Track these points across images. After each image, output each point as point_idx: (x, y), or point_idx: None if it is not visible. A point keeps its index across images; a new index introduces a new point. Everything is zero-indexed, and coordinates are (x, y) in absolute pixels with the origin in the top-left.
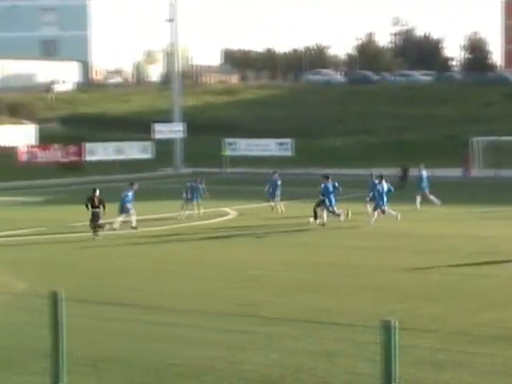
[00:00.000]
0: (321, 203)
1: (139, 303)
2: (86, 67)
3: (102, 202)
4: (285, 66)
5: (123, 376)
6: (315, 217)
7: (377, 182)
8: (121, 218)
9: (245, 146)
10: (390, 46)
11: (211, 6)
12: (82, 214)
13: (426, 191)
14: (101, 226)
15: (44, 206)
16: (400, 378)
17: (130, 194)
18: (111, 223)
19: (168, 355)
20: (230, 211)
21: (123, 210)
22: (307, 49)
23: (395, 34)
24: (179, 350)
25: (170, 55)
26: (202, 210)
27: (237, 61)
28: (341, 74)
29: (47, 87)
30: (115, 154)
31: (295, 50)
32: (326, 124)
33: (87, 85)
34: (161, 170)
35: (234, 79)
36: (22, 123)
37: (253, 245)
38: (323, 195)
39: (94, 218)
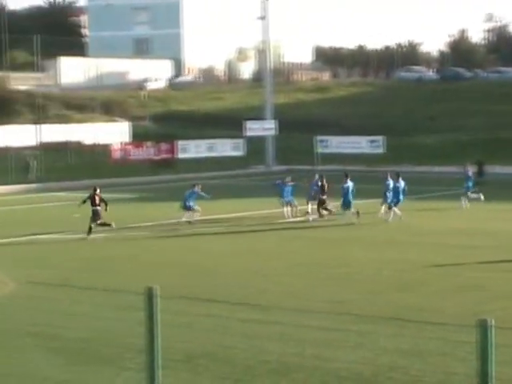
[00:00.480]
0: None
1: (231, 300)
2: (178, 65)
3: (103, 200)
4: (376, 63)
5: (216, 372)
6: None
7: (389, 180)
8: (187, 216)
9: (336, 144)
10: (482, 42)
11: (303, 2)
12: (174, 211)
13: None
14: (104, 224)
15: (137, 203)
16: (495, 377)
17: (191, 192)
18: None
19: (260, 352)
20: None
21: (186, 208)
22: (399, 45)
23: (488, 31)
24: (271, 346)
25: (261, 53)
26: (298, 208)
27: (328, 58)
28: (433, 71)
29: (140, 85)
30: (207, 151)
31: (387, 47)
32: (417, 121)
33: (179, 82)
34: (252, 167)
35: (325, 76)
36: (116, 121)
37: (342, 242)
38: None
39: (95, 216)
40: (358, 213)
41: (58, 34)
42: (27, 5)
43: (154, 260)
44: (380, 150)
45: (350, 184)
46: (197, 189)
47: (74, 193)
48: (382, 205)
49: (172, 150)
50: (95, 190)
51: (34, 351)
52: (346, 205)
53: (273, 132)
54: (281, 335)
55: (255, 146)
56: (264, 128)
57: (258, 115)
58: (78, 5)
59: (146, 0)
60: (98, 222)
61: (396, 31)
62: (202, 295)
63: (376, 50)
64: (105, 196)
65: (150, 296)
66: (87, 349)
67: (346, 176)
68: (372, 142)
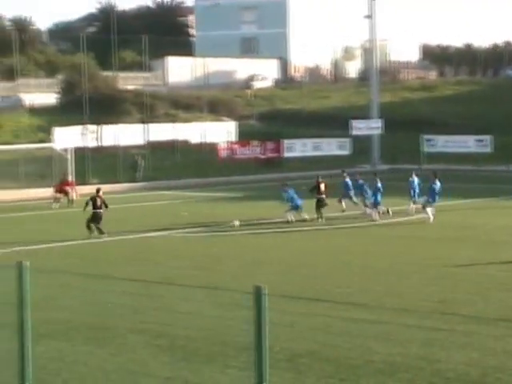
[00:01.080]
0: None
1: (334, 299)
2: (284, 64)
3: (104, 203)
4: (484, 62)
5: (321, 371)
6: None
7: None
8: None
9: (442, 143)
10: None
11: (410, 1)
12: (277, 209)
13: None
14: (101, 230)
15: (243, 202)
16: None
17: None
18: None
19: (365, 351)
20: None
21: (293, 207)
22: (507, 44)
23: None
24: (376, 346)
25: (368, 51)
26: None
27: (435, 56)
28: None
29: (247, 84)
30: (313, 150)
31: (495, 45)
32: None
33: (286, 81)
34: (358, 166)
35: (431, 75)
36: (222, 120)
37: (445, 242)
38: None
39: (95, 219)
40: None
41: (166, 33)
42: (135, 5)
43: (257, 258)
44: (487, 150)
45: (438, 184)
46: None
47: (181, 191)
48: (413, 203)
49: (278, 149)
50: (98, 192)
51: (141, 348)
52: (431, 203)
53: (379, 131)
54: (385, 334)
55: (361, 145)
56: (370, 127)
57: (363, 114)
58: (185, 5)
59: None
60: (97, 225)
61: (504, 29)
62: (304, 294)
63: (483, 48)
64: (211, 195)
65: (258, 295)
66: (192, 346)
67: (435, 176)
68: (479, 141)
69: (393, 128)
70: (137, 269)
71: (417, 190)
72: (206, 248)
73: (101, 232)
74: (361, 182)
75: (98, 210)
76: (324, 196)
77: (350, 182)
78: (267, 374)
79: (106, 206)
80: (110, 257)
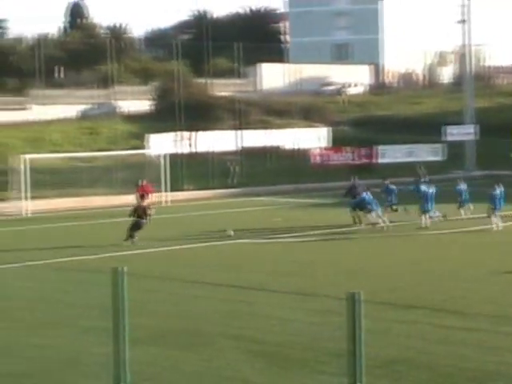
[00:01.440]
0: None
1: (429, 306)
2: (377, 70)
3: (147, 213)
4: None
5: (414, 378)
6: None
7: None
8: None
9: None
10: None
11: (505, 5)
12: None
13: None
14: (132, 237)
15: (335, 208)
16: None
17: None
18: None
19: (460, 359)
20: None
21: (367, 209)
22: None
23: None
24: (471, 353)
25: (462, 57)
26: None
27: None
28: None
29: (339, 90)
30: (406, 156)
31: None
32: None
33: (379, 87)
34: (452, 172)
35: None
36: (315, 126)
37: None
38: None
39: (137, 226)
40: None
41: (259, 40)
42: (229, 12)
43: (353, 265)
44: None
45: (498, 191)
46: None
47: (274, 197)
48: (459, 208)
49: (371, 155)
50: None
51: (235, 354)
52: (494, 210)
53: (473, 137)
54: (481, 342)
55: (455, 150)
56: (464, 133)
57: (457, 120)
58: (278, 11)
59: (346, 5)
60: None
61: None
62: (399, 301)
63: None
64: (304, 201)
65: (352, 301)
66: (285, 352)
67: (497, 183)
68: None
69: (487, 133)
70: (230, 274)
71: (463, 197)
72: (300, 254)
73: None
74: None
75: (143, 220)
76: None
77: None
78: (363, 381)
79: (149, 216)
80: (203, 262)
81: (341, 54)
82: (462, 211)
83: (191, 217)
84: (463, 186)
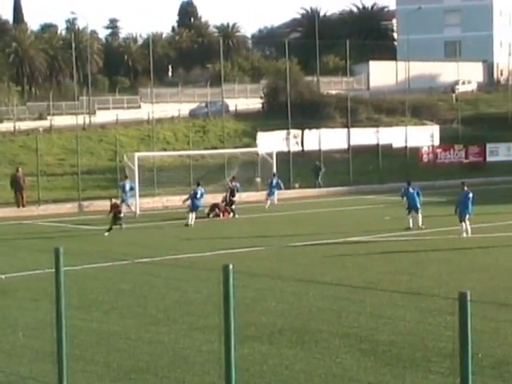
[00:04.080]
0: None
1: None
2: (489, 67)
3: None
4: None
5: None
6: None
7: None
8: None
9: None
10: None
11: None
12: (487, 214)
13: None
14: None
15: (447, 207)
16: None
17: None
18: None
19: None
20: None
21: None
22: None
23: None
24: None
25: None
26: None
27: None
28: None
29: (451, 88)
30: None
31: None
32: None
33: (490, 85)
34: None
35: None
36: (425, 124)
37: None
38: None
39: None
40: None
41: (369, 38)
42: (338, 10)
43: (465, 264)
44: None
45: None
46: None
47: (384, 196)
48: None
49: (482, 153)
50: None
51: (345, 352)
52: None
53: None
54: None
55: None
56: None
57: None
58: (388, 9)
59: (458, 2)
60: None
61: None
62: (509, 300)
63: None
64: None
65: (463, 301)
66: (394, 351)
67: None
68: None
69: None
70: (340, 273)
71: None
72: (410, 252)
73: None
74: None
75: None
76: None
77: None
78: (473, 381)
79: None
80: (312, 260)
81: (452, 51)
82: None
83: (299, 215)
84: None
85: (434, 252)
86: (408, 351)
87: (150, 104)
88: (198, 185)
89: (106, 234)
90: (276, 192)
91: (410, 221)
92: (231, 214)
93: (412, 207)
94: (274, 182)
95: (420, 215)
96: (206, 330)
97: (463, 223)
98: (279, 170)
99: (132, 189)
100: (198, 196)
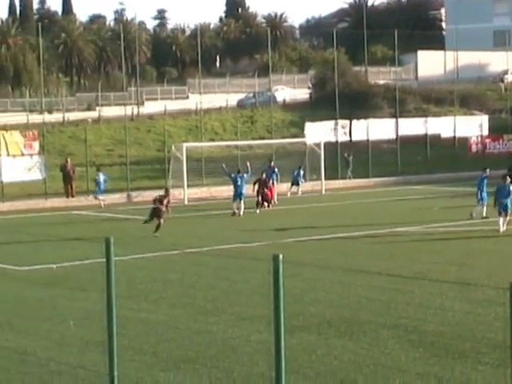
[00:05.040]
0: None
1: None
2: None
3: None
4: None
5: None
6: None
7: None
8: None
9: None
10: None
11: None
12: None
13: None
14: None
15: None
16: None
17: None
18: None
19: None
20: None
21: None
22: None
23: None
24: None
25: None
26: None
27: None
28: None
29: (500, 78)
30: None
31: None
32: None
33: None
34: None
35: None
36: (473, 114)
37: None
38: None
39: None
40: None
41: (417, 27)
42: (386, 0)
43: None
44: None
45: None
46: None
47: (433, 186)
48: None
49: None
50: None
51: (393, 343)
52: None
53: None
54: None
55: None
56: None
57: None
58: None
59: None
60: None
61: None
62: None
63: None
64: (463, 189)
65: None
66: (443, 342)
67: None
68: None
69: None
70: (389, 263)
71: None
72: (459, 243)
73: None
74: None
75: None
76: None
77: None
78: None
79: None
80: (361, 251)
81: (501, 41)
82: None
83: (345, 206)
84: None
85: (484, 243)
86: (457, 342)
87: (198, 94)
88: (238, 172)
89: (157, 234)
90: (301, 183)
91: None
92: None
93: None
94: (297, 172)
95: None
96: (255, 320)
97: (501, 218)
98: (327, 161)
99: (106, 181)
100: (239, 183)
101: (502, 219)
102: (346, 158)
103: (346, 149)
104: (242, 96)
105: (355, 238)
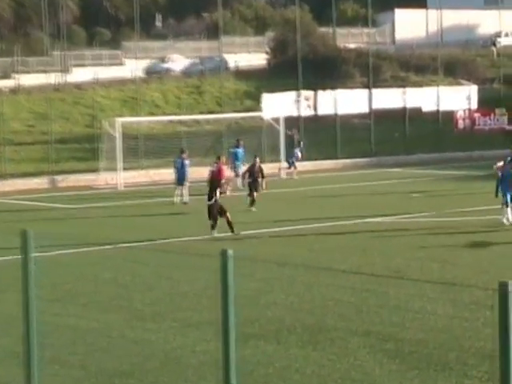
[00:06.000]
0: None
1: None
2: None
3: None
4: None
5: None
6: None
7: None
8: None
9: None
10: None
11: None
12: None
13: None
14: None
15: (486, 182)
16: None
17: None
18: None
19: None
20: None
21: None
22: None
23: None
24: None
25: None
26: None
27: None
28: None
29: (491, 41)
30: None
31: None
32: None
33: None
34: None
35: None
36: (461, 84)
37: None
38: None
39: None
40: None
41: None
42: None
43: (511, 249)
44: None
45: None
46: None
47: (411, 169)
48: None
49: None
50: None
51: (365, 353)
52: None
53: None
54: None
55: None
56: None
57: None
58: None
59: None
60: None
61: None
62: None
63: None
64: (448, 173)
65: (503, 293)
66: (423, 352)
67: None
68: None
69: None
70: (360, 260)
71: None
72: (444, 236)
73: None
74: None
75: None
76: None
77: None
78: None
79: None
80: (327, 245)
81: None
82: None
83: (311, 191)
84: None
85: (472, 235)
86: (440, 352)
87: (135, 60)
88: (182, 152)
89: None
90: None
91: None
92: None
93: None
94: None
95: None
96: (202, 327)
97: (505, 207)
98: (288, 139)
99: None
100: (180, 166)
101: (507, 210)
102: (290, 136)
103: (301, 125)
104: (187, 62)
105: (320, 230)
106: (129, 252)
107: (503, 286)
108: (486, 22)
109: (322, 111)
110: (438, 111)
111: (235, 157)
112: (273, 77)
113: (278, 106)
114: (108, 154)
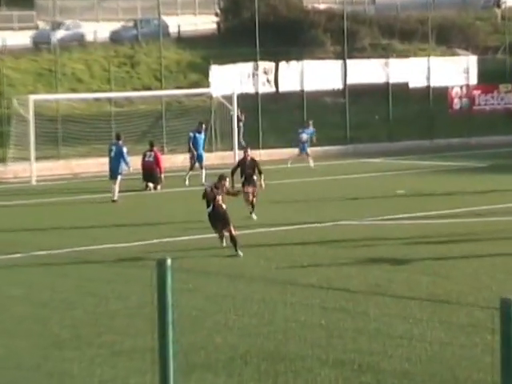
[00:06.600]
0: None
1: None
2: None
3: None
4: None
5: None
6: None
7: None
8: None
9: None
10: None
11: None
12: None
13: None
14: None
15: (488, 175)
16: None
17: None
18: None
19: None
20: None
21: None
22: None
23: None
24: None
25: None
26: None
27: None
28: None
29: (494, 1)
30: None
31: None
32: None
33: None
34: None
35: None
36: (456, 54)
37: None
38: None
39: None
40: None
41: None
42: None
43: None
44: None
45: None
46: None
47: (395, 159)
48: None
49: None
50: None
51: None
52: None
53: None
54: None
55: None
56: None
57: None
58: None
59: None
60: None
61: None
62: None
63: None
64: (440, 164)
65: (505, 312)
66: None
67: None
68: None
69: None
70: (331, 272)
71: None
72: (436, 242)
73: None
74: None
75: None
76: None
77: None
78: None
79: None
80: (290, 254)
81: None
82: None
83: (270, 188)
84: None
85: (469, 242)
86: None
87: (51, 23)
88: (118, 138)
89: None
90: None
91: None
92: None
93: None
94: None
95: None
96: (135, 356)
97: None
98: (242, 121)
99: None
100: (112, 155)
101: None
102: (238, 117)
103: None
104: (117, 26)
105: (282, 235)
106: (44, 262)
107: (506, 304)
108: None
109: (284, 87)
110: (428, 88)
111: (195, 142)
112: (224, 45)
113: (230, 80)
114: (18, 140)
